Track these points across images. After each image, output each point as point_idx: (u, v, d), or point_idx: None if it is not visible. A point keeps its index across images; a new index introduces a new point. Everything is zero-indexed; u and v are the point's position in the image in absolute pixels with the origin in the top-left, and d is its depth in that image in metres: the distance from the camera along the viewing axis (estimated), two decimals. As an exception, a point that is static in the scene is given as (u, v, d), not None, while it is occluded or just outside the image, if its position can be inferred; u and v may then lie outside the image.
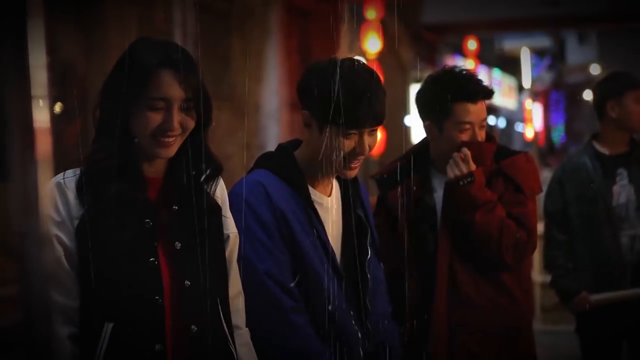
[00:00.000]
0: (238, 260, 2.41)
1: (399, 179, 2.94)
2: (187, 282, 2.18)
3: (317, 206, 2.56)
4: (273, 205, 2.47)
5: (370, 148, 2.51)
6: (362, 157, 2.51)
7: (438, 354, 2.90)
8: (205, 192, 2.29)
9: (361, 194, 2.70)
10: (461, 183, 2.93)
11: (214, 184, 2.32)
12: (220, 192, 2.37)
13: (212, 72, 15.58)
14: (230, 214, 2.39)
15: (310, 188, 2.57)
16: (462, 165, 2.95)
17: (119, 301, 2.11)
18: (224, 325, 2.27)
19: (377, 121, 2.49)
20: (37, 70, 2.01)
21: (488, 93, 3.03)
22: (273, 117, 16.57)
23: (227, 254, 2.36)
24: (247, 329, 2.41)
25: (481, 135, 2.99)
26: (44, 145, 2.00)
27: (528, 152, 3.13)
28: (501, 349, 3.00)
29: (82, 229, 2.12)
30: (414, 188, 2.96)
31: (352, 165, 2.52)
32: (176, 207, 2.22)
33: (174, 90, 2.15)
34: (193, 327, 2.18)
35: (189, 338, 2.18)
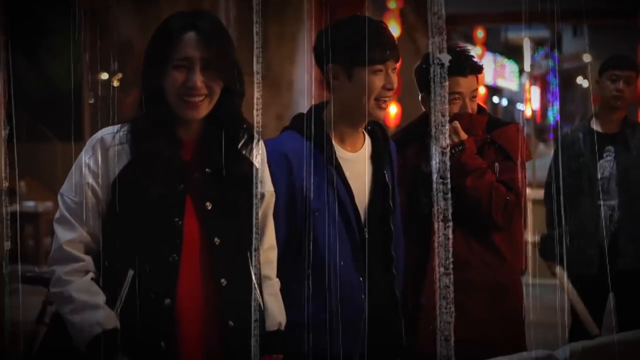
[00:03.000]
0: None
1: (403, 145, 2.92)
2: (217, 240, 2.12)
3: (343, 162, 2.47)
4: (294, 176, 2.40)
5: (395, 89, 2.47)
6: (392, 92, 2.45)
7: (430, 307, 2.90)
8: (239, 155, 2.18)
9: (390, 152, 2.64)
10: (453, 151, 2.89)
11: (251, 148, 2.22)
12: (260, 154, 2.26)
13: (251, 52, 15.53)
14: (268, 173, 2.31)
15: (336, 145, 2.48)
16: (454, 135, 2.91)
17: (140, 253, 2.06)
18: (253, 277, 2.18)
19: (396, 55, 2.46)
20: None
21: (476, 68, 3.01)
22: (303, 93, 16.51)
23: (261, 211, 2.26)
24: (277, 279, 2.34)
25: (472, 106, 2.97)
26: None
27: (519, 123, 3.11)
28: (491, 303, 2.99)
29: (119, 183, 2.07)
30: (412, 157, 2.95)
31: (383, 105, 2.46)
32: (209, 170, 2.14)
33: (194, 51, 2.07)
34: (223, 280, 2.12)
35: (218, 290, 2.12)
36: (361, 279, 2.45)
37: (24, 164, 12.42)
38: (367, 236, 2.46)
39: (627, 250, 4.02)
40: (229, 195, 2.15)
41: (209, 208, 2.12)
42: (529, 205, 7.77)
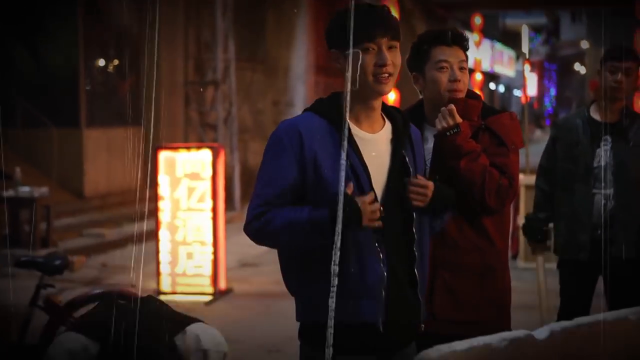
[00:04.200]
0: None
1: None
2: None
3: (359, 141, 2.50)
4: (303, 144, 2.44)
5: (395, 65, 2.49)
6: (386, 68, 2.47)
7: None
8: None
9: (411, 135, 2.66)
10: (448, 134, 2.96)
11: None
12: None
13: (249, 39, 15.57)
14: None
15: (353, 125, 2.51)
16: (449, 118, 2.97)
17: None
18: None
19: (387, 31, 2.48)
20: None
21: (462, 38, 3.09)
22: (300, 79, 16.55)
23: None
24: None
25: (463, 78, 3.02)
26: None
27: (513, 112, 3.17)
28: (477, 284, 3.03)
29: None
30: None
31: (382, 80, 2.49)
32: None
33: None
34: None
35: None
36: (379, 251, 2.46)
37: (20, 149, 12.38)
38: (382, 214, 2.45)
39: (619, 238, 4.05)
40: None
41: None
42: (522, 191, 7.77)
